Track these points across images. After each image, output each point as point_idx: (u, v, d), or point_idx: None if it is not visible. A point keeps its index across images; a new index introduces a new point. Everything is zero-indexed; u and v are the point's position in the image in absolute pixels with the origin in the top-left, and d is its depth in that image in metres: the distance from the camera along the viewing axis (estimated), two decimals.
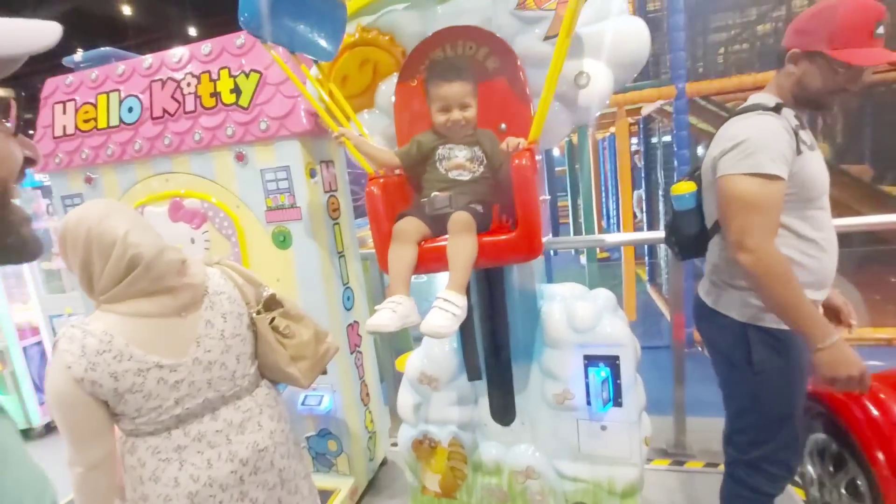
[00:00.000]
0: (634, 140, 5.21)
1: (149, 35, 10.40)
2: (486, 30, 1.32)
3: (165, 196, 1.91)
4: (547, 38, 1.32)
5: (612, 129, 4.49)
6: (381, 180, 1.27)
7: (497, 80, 1.32)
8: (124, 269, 0.95)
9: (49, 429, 3.02)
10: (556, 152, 8.11)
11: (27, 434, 2.96)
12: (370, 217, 1.27)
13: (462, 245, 1.13)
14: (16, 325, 2.92)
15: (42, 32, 0.42)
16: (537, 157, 1.21)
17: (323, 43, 1.38)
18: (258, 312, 1.17)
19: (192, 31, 10.75)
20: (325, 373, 1.91)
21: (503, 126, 1.33)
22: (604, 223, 6.53)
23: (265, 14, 1.20)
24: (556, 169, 7.71)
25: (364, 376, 2.10)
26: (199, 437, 1.06)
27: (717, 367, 1.31)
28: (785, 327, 1.13)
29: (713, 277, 1.28)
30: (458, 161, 1.24)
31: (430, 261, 1.19)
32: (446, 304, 1.09)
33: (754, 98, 1.21)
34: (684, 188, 1.27)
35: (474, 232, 1.15)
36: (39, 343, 3.00)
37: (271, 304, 1.20)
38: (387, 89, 1.51)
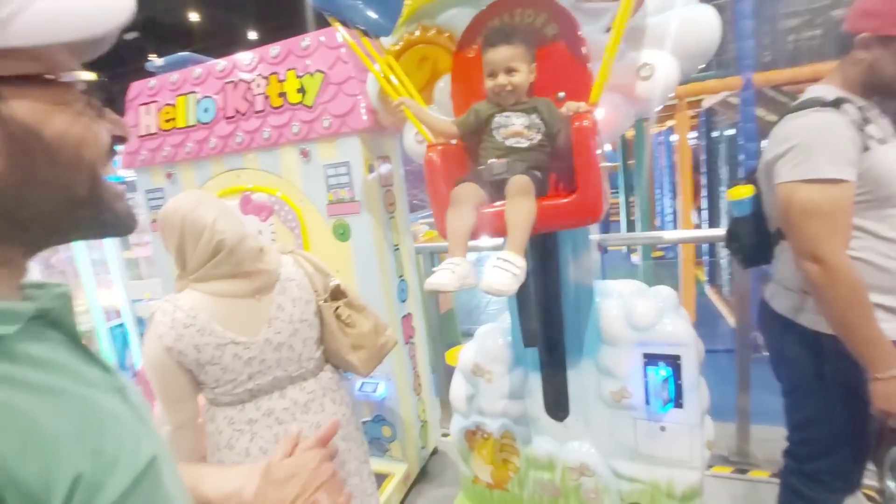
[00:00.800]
0: (694, 134, 4.97)
1: (214, 40, 11.03)
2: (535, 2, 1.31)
3: (236, 190, 2.04)
4: (608, 30, 1.30)
5: (670, 123, 4.30)
6: (440, 147, 1.30)
7: (556, 47, 1.30)
8: (211, 251, 1.06)
9: None
10: (607, 147, 7.87)
11: None
12: (428, 183, 1.29)
13: (521, 207, 1.13)
14: (102, 307, 3.21)
15: (115, 8, 0.40)
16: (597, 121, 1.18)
17: (381, 18, 1.42)
18: (325, 301, 1.24)
19: (253, 35, 11.29)
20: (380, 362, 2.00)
21: (561, 94, 1.30)
22: (657, 221, 6.27)
23: None
24: (608, 164, 7.48)
25: (417, 367, 2.16)
26: (268, 412, 1.15)
27: (783, 376, 1.25)
28: None
29: (784, 283, 1.21)
30: (516, 128, 1.24)
31: (489, 226, 1.20)
32: (505, 264, 1.09)
33: (812, 90, 1.12)
34: (742, 192, 1.21)
35: (533, 195, 1.15)
36: (122, 325, 3.28)
37: (337, 293, 1.27)
38: (445, 86, 1.53)
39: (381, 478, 1.98)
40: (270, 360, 1.13)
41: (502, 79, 1.23)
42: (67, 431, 0.35)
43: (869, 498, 1.74)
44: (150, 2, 10.03)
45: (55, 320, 0.41)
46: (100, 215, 0.43)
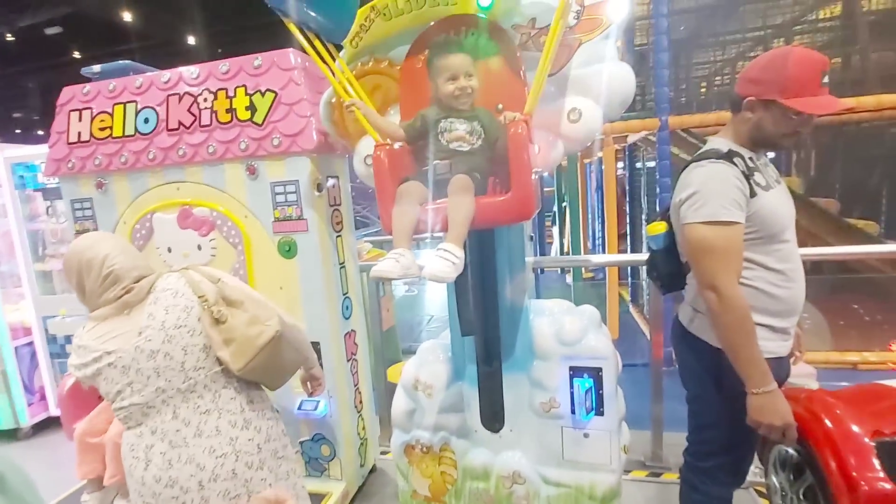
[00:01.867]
0: (620, 164, 5.44)
1: (147, 42, 10.48)
2: (480, 17, 1.44)
3: (175, 204, 2.00)
4: (550, 74, 1.46)
5: (600, 154, 4.71)
6: (388, 147, 1.38)
7: (494, 63, 1.44)
8: (101, 281, 1.19)
9: (36, 429, 3.01)
10: (545, 173, 8.34)
11: (14, 434, 2.95)
12: (376, 180, 1.37)
13: (460, 203, 1.24)
14: (8, 325, 2.93)
15: None
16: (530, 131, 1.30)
17: (335, 24, 1.49)
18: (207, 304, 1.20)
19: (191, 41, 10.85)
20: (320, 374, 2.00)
21: (500, 106, 1.44)
22: (589, 244, 6.71)
23: None
24: (545, 189, 7.92)
25: (358, 384, 2.18)
26: (162, 435, 1.13)
27: (687, 384, 1.43)
28: None
29: (694, 305, 1.38)
30: (459, 133, 1.35)
31: (431, 219, 1.29)
32: (446, 254, 1.19)
33: (711, 142, 1.33)
34: (657, 229, 1.40)
35: (472, 192, 1.26)
36: (30, 343, 3.00)
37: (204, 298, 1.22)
38: (395, 113, 1.63)
39: (318, 498, 1.97)
40: (146, 368, 1.13)
41: (463, 81, 1.34)
42: None
43: (758, 493, 1.99)
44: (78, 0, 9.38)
45: None
46: None
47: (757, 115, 1.24)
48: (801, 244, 1.35)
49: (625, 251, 5.20)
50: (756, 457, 1.61)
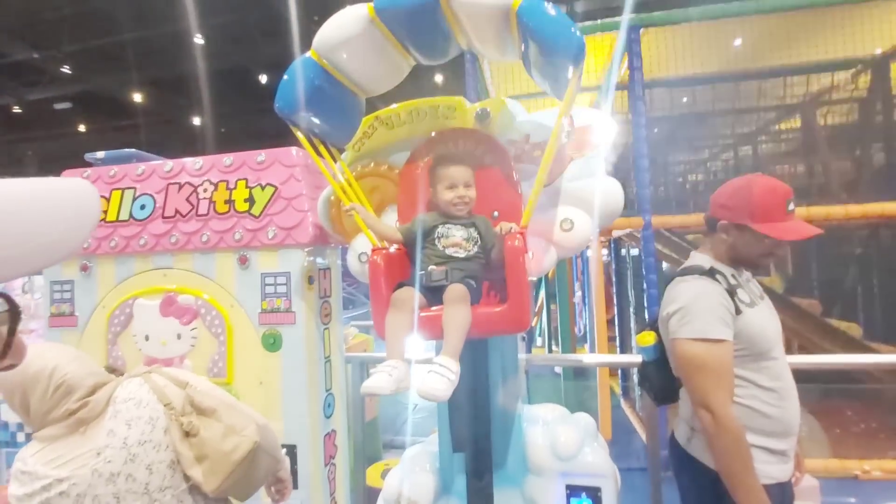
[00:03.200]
0: (605, 251, 5.60)
1: (150, 118, 10.95)
2: (483, 132, 1.52)
3: (159, 290, 1.94)
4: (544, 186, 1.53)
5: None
6: (384, 252, 1.38)
7: (492, 174, 1.50)
8: (58, 397, 1.03)
9: None
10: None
11: None
12: (371, 284, 1.35)
13: (457, 314, 1.21)
14: None
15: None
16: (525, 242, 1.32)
17: (340, 130, 1.55)
18: (174, 414, 1.08)
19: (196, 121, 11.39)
20: (294, 486, 1.84)
21: (496, 213, 1.49)
22: (577, 328, 6.68)
23: (297, 102, 1.36)
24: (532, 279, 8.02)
25: (335, 492, 2.00)
26: None
27: (686, 502, 1.34)
28: (760, 481, 1.18)
29: (690, 423, 1.34)
30: (456, 239, 1.36)
31: (427, 328, 1.25)
32: (441, 370, 1.13)
33: (693, 258, 1.38)
34: (646, 340, 1.40)
35: (468, 303, 1.23)
36: None
37: (169, 408, 1.10)
38: (391, 212, 1.67)
39: None
40: (105, 494, 0.99)
41: (462, 190, 1.39)
42: None
43: None
44: (89, 77, 9.94)
45: None
46: None
47: (731, 237, 1.30)
48: (786, 343, 1.34)
49: (613, 338, 5.17)
50: None
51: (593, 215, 1.49)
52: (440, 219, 1.41)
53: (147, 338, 1.94)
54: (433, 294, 1.31)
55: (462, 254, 1.36)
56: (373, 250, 1.39)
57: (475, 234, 1.38)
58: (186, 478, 1.07)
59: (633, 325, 4.44)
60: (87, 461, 1.00)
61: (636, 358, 2.05)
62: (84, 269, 2.03)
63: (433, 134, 1.58)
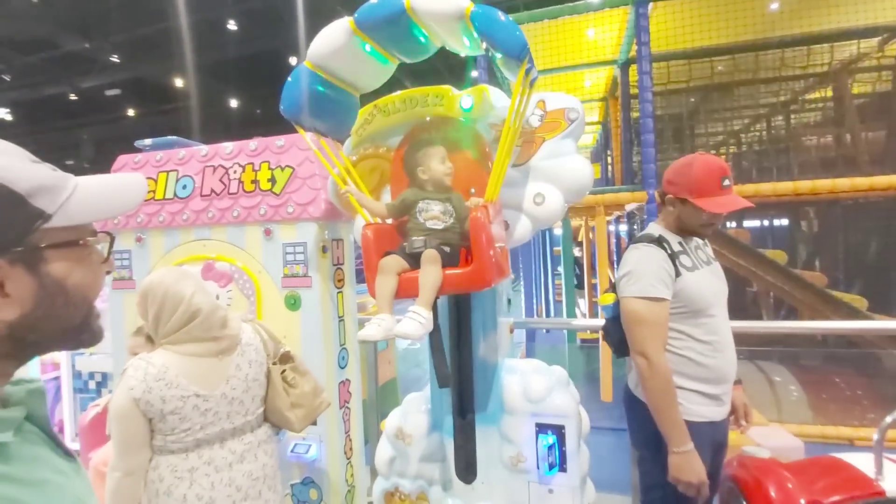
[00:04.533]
0: (623, 227, 5.67)
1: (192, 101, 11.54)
2: (461, 120, 1.73)
3: (201, 258, 2.28)
4: (514, 165, 1.73)
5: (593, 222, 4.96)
6: (374, 226, 1.63)
7: (468, 156, 1.72)
8: (187, 319, 1.30)
9: None
10: (556, 231, 8.60)
11: None
12: (363, 254, 1.61)
13: (429, 273, 1.46)
14: (40, 360, 3.20)
15: (129, 199, 0.56)
16: (493, 210, 1.53)
17: (338, 125, 1.79)
18: (274, 363, 1.48)
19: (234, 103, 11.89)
20: (314, 423, 2.17)
21: (472, 190, 1.70)
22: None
23: (298, 105, 1.62)
24: (555, 248, 8.14)
25: (349, 431, 2.32)
26: (209, 461, 1.32)
27: (635, 445, 1.56)
28: (691, 418, 1.38)
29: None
30: (434, 213, 1.59)
31: (407, 288, 1.51)
32: (415, 316, 1.40)
33: (647, 228, 1.56)
34: (607, 299, 1.59)
35: (439, 264, 1.47)
36: (56, 378, 3.25)
37: (286, 358, 1.51)
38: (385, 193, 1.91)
39: None
40: (223, 412, 1.32)
41: (435, 167, 1.61)
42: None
43: None
44: (136, 66, 10.55)
45: (33, 417, 0.52)
46: (82, 335, 0.55)
47: (677, 209, 1.47)
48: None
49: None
50: None
51: (563, 189, 1.68)
52: (421, 195, 1.63)
53: None
54: (415, 260, 1.55)
55: (440, 225, 1.59)
56: (365, 225, 1.64)
57: (450, 208, 1.60)
58: (261, 406, 1.44)
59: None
60: (219, 385, 1.32)
61: None
62: (139, 240, 2.39)
63: (416, 124, 1.80)
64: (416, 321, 1.39)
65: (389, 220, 1.71)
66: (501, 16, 1.30)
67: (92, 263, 0.54)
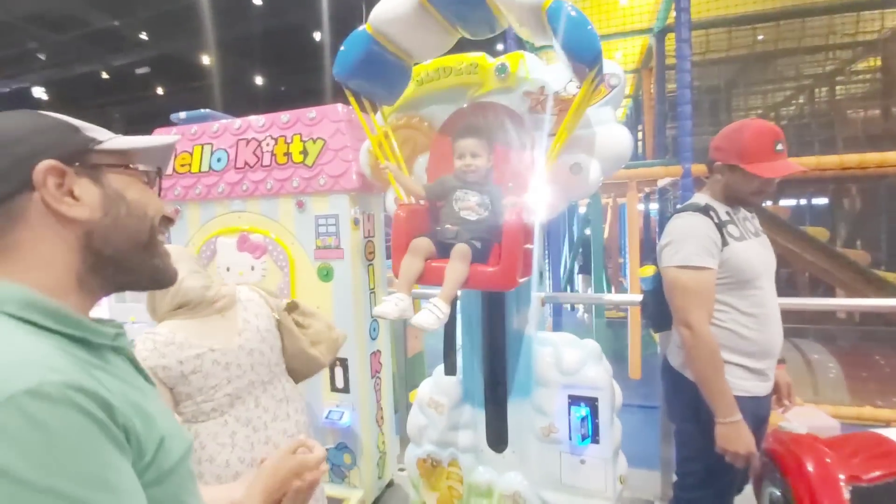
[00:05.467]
0: (654, 206, 5.51)
1: (218, 79, 11.63)
2: (506, 106, 1.68)
3: (236, 230, 2.33)
4: (550, 134, 1.68)
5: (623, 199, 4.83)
6: (407, 207, 1.63)
7: (511, 147, 1.68)
8: (176, 305, 1.31)
9: None
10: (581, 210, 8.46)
11: None
12: (393, 231, 1.61)
13: (456, 268, 1.46)
14: None
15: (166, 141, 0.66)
16: (526, 216, 1.52)
17: (388, 92, 1.77)
18: (283, 310, 1.50)
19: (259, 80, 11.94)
20: (347, 391, 2.23)
21: (511, 185, 1.67)
22: (623, 281, 6.70)
23: (352, 69, 1.59)
24: (585, 231, 8.01)
25: (380, 400, 2.38)
26: (246, 421, 1.35)
27: (672, 417, 1.54)
28: (733, 393, 1.35)
29: (677, 343, 1.51)
30: (470, 203, 1.58)
31: (431, 276, 1.52)
32: (434, 308, 1.42)
33: (693, 197, 1.50)
34: (647, 271, 1.56)
35: (468, 261, 1.47)
36: None
37: (292, 307, 1.55)
38: (423, 162, 1.89)
39: (337, 502, 2.16)
40: (245, 363, 1.34)
41: (468, 160, 1.59)
42: (155, 412, 0.53)
43: None
44: (163, 43, 10.65)
45: (116, 348, 0.57)
46: (152, 259, 0.61)
47: (725, 177, 1.41)
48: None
49: None
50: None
51: (601, 159, 1.63)
52: (460, 183, 1.62)
53: (228, 269, 2.36)
54: (444, 248, 1.55)
55: (473, 217, 1.57)
56: (399, 205, 1.63)
57: (487, 201, 1.58)
58: (282, 358, 1.47)
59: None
60: (232, 337, 1.34)
61: None
62: (176, 212, 2.46)
63: (460, 108, 1.76)
64: (434, 314, 1.41)
65: (423, 202, 1.71)
66: (579, 16, 1.23)
67: (143, 185, 0.62)
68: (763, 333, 1.40)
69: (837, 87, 5.77)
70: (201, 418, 1.31)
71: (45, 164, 0.52)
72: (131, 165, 0.61)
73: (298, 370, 1.52)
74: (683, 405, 1.47)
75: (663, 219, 4.85)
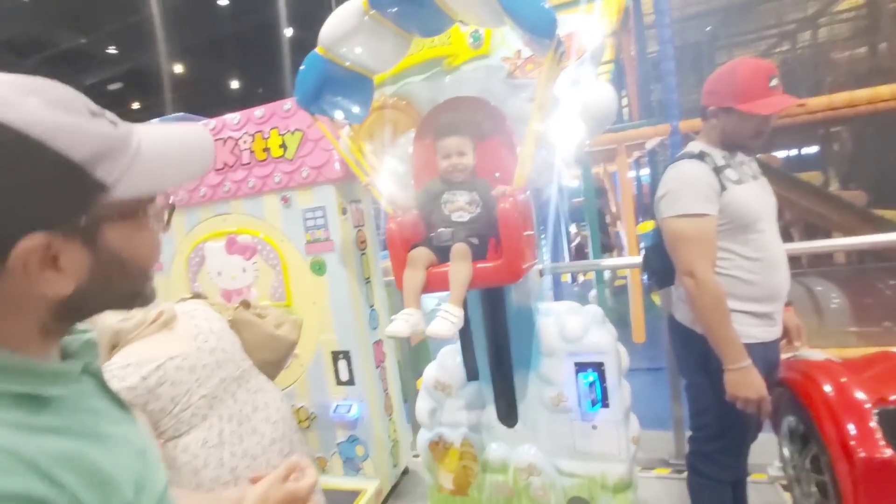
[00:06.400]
0: (645, 171, 5.46)
1: (194, 88, 11.44)
2: (483, 99, 1.64)
3: (223, 233, 2.28)
4: (531, 100, 1.64)
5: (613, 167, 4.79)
6: (398, 219, 1.59)
7: (492, 139, 1.64)
8: (111, 344, 1.23)
9: None
10: (574, 183, 8.41)
11: None
12: (389, 247, 1.58)
13: (459, 270, 1.43)
14: None
15: (196, 167, 0.53)
16: (521, 198, 1.49)
17: (355, 110, 1.73)
18: (236, 308, 1.47)
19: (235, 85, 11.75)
20: (352, 384, 2.21)
21: (497, 174, 1.63)
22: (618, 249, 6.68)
23: (312, 94, 1.56)
24: (574, 200, 7.97)
25: (387, 389, 2.36)
26: (229, 417, 1.30)
27: (682, 372, 1.52)
28: (742, 340, 1.32)
29: (682, 297, 1.48)
30: (459, 204, 1.55)
31: (435, 283, 1.49)
32: (447, 315, 1.39)
33: (688, 146, 1.46)
34: (646, 227, 1.53)
35: (469, 260, 1.44)
36: None
37: (246, 304, 1.52)
38: (404, 142, 1.84)
39: (353, 494, 2.15)
40: (210, 362, 1.29)
41: (455, 159, 1.56)
42: (117, 468, 0.45)
43: (783, 487, 2.00)
44: (135, 56, 10.44)
45: (89, 369, 0.51)
46: (135, 300, 0.52)
47: (721, 122, 1.36)
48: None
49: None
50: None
51: (586, 119, 1.59)
52: (445, 185, 1.57)
53: (219, 273, 2.32)
54: (442, 253, 1.51)
55: (465, 217, 1.54)
56: (389, 218, 1.59)
57: (477, 197, 1.54)
58: (246, 356, 1.42)
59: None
60: (188, 343, 1.29)
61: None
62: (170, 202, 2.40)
63: (435, 106, 1.71)
64: (447, 320, 1.38)
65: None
66: None
67: (150, 232, 0.50)
68: (768, 277, 1.37)
69: (821, 30, 5.69)
70: (184, 429, 1.24)
71: (28, 245, 0.40)
72: (142, 211, 0.48)
73: (270, 360, 1.48)
74: (692, 358, 1.45)
75: (656, 182, 4.82)
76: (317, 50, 1.52)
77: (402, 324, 1.41)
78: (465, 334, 1.75)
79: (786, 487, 1.98)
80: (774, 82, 1.30)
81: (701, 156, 1.37)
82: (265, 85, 11.79)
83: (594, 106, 1.59)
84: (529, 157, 1.41)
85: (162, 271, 2.44)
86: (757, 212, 1.36)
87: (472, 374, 1.81)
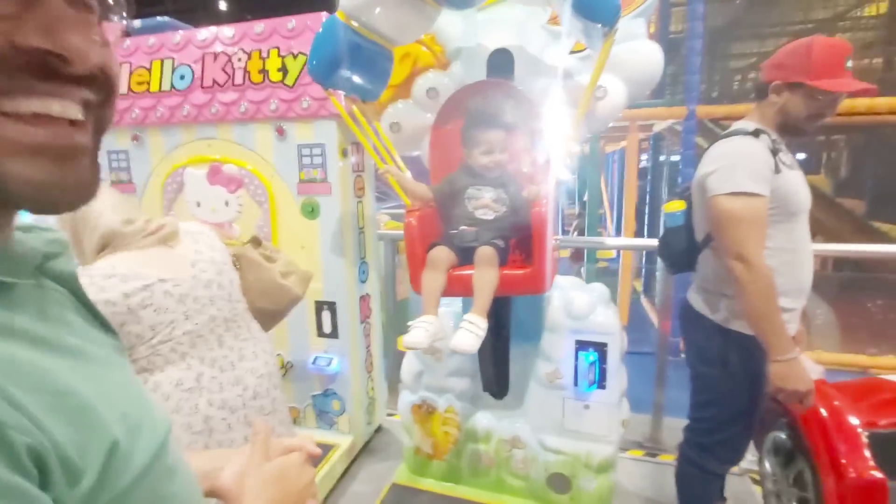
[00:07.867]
0: (644, 156, 5.37)
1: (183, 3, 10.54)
2: (511, 83, 1.48)
3: (205, 160, 2.07)
4: (572, 52, 1.48)
5: (624, 143, 4.66)
6: (417, 213, 1.44)
7: (520, 127, 1.48)
8: (102, 243, 1.08)
9: None
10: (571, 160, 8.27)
11: None
12: (406, 244, 1.43)
13: (486, 276, 1.30)
14: None
15: None
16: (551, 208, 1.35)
17: (373, 84, 1.55)
18: (245, 244, 1.33)
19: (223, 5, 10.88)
20: (336, 336, 2.09)
21: (527, 170, 1.49)
22: (612, 231, 6.69)
23: (328, 65, 1.38)
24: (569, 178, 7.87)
25: (370, 346, 2.27)
26: (211, 362, 1.15)
27: (691, 362, 1.47)
28: None
29: (703, 285, 1.41)
30: (485, 201, 1.41)
31: (457, 287, 1.36)
32: (471, 326, 1.27)
33: (736, 125, 1.35)
34: (675, 206, 1.42)
35: (496, 265, 1.32)
36: None
37: (256, 242, 1.38)
38: (423, 82, 1.66)
39: (326, 448, 2.07)
40: (203, 296, 1.14)
41: (498, 156, 1.40)
42: (97, 396, 0.32)
43: (753, 480, 2.04)
44: None
45: (55, 274, 0.38)
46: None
47: (783, 99, 1.25)
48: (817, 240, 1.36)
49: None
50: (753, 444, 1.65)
51: (628, 82, 1.45)
52: (470, 179, 1.41)
53: (198, 204, 2.12)
54: (464, 253, 1.37)
55: (490, 215, 1.39)
56: (407, 212, 1.43)
57: (504, 196, 1.40)
58: (243, 297, 1.27)
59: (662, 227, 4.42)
60: (185, 268, 1.13)
61: (654, 241, 2.10)
62: (135, 139, 2.16)
63: (461, 88, 1.53)
64: (472, 333, 1.26)
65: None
66: None
67: None
68: (798, 271, 1.30)
69: (838, 34, 5.61)
70: (159, 364, 1.10)
71: None
72: None
73: (267, 309, 1.33)
74: (708, 348, 1.39)
75: (656, 167, 4.73)
76: (336, 14, 1.35)
77: (421, 333, 1.28)
78: (486, 345, 1.65)
79: (756, 481, 2.02)
80: (849, 64, 1.19)
81: (756, 133, 1.26)
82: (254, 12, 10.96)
83: (638, 66, 1.45)
84: (571, 148, 1.28)
85: (134, 193, 2.22)
86: (802, 202, 1.28)
87: (487, 386, 1.72)
